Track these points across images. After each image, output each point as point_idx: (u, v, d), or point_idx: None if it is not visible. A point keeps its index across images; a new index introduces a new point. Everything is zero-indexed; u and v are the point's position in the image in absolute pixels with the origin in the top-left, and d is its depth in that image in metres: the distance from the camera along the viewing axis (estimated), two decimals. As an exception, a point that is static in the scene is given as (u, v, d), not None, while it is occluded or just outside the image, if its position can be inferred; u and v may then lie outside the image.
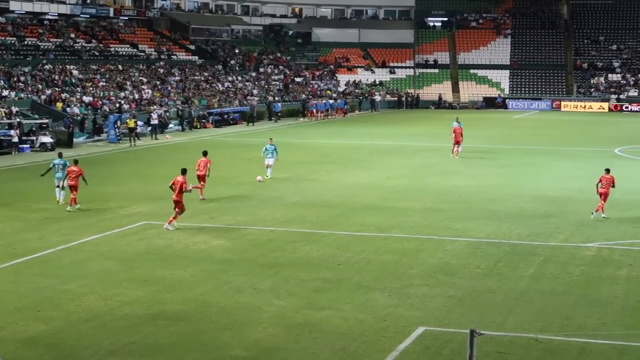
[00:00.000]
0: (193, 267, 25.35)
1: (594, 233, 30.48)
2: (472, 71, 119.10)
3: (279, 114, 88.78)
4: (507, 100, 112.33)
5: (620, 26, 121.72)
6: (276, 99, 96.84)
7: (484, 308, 21.24)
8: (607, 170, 34.48)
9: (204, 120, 79.47)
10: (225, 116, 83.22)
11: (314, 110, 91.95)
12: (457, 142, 53.15)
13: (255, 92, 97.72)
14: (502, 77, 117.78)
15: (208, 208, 35.19)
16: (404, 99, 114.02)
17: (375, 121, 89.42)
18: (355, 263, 25.94)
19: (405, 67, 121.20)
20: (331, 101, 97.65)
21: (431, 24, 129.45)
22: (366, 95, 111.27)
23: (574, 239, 29.58)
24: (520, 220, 32.95)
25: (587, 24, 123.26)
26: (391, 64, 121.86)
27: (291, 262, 25.98)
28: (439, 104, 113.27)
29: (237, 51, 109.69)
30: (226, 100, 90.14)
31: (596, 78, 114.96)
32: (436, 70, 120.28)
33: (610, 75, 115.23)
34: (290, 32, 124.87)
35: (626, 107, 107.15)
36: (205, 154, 39.31)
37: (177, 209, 31.04)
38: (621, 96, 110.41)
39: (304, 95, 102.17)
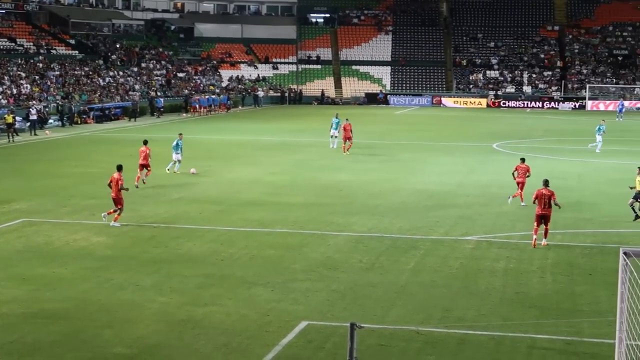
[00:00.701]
0: (73, 264, 24.98)
1: (472, 226, 31.09)
2: (354, 67, 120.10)
3: (162, 109, 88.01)
4: (388, 96, 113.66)
5: (498, 24, 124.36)
6: (158, 94, 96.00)
7: (366, 301, 21.48)
8: (522, 160, 36.08)
9: (84, 116, 78.26)
10: (107, 111, 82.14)
11: (197, 106, 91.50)
12: (348, 138, 53.40)
13: (137, 87, 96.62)
14: (384, 74, 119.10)
15: (89, 205, 34.68)
16: (287, 94, 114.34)
17: (259, 117, 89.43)
18: (238, 258, 25.94)
19: (288, 63, 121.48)
20: (214, 97, 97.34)
21: (313, 20, 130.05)
22: (249, 90, 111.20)
23: (453, 232, 30.13)
24: (401, 214, 33.40)
25: (466, 22, 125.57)
26: (274, 60, 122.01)
27: (174, 259, 25.83)
28: (322, 100, 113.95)
29: (118, 46, 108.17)
30: (107, 96, 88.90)
31: (475, 74, 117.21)
32: (319, 66, 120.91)
33: (488, 72, 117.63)
34: (173, 27, 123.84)
35: (504, 103, 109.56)
36: (145, 142, 40.93)
37: (118, 206, 30.62)
38: (499, 92, 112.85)
39: (186, 91, 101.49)
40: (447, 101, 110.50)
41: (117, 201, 30.63)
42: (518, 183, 35.22)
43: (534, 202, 28.25)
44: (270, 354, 17.64)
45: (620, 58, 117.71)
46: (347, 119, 54.98)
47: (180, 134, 45.24)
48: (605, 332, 18.70)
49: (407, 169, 46.99)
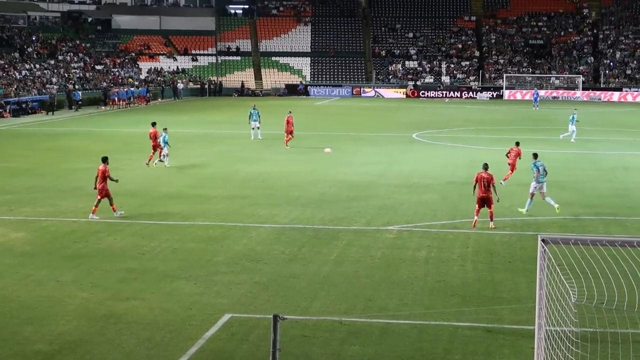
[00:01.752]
0: (-9, 261, 24.56)
1: (394, 216, 31.28)
2: (274, 58, 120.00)
3: (80, 102, 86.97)
4: (308, 87, 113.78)
5: (416, 14, 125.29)
6: (76, 87, 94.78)
7: (289, 293, 21.50)
8: (517, 143, 38.49)
9: (0, 110, 76.94)
10: (24, 105, 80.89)
11: (116, 99, 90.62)
12: (290, 132, 52.91)
13: (54, 80, 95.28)
14: (304, 65, 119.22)
15: (7, 200, 34.13)
16: (206, 86, 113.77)
17: (179, 109, 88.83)
18: (160, 252, 25.76)
19: (208, 55, 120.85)
20: (133, 89, 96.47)
21: (232, 11, 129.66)
22: (169, 82, 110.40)
23: (375, 222, 30.28)
24: (323, 205, 33.47)
25: (384, 12, 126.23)
26: (193, 52, 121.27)
27: (94, 253, 25.54)
28: (242, 92, 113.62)
29: (34, 38, 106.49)
30: (24, 89, 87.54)
31: (394, 65, 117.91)
32: (238, 58, 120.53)
33: (407, 63, 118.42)
34: (90, 19, 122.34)
35: (423, 93, 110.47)
36: (154, 124, 45.31)
37: (108, 197, 30.59)
38: (418, 82, 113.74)
39: (105, 84, 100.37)
40: (386, 92, 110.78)
41: (105, 192, 30.46)
42: (509, 164, 37.28)
43: (474, 187, 29.42)
44: (193, 348, 17.56)
45: (536, 48, 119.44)
46: (289, 112, 54.72)
47: (165, 129, 44.97)
48: (525, 318, 18.99)
49: (329, 160, 47.08)
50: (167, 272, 23.39)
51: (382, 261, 24.83)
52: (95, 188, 30.67)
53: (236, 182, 39.33)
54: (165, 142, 43.63)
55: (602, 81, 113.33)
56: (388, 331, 18.72)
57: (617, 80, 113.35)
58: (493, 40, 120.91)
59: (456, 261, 24.88)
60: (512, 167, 37.85)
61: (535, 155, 32.34)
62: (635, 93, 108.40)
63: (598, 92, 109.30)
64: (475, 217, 29.07)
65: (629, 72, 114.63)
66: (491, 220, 29.11)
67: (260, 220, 30.59)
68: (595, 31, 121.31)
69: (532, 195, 31.60)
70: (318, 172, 42.55)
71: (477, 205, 29.19)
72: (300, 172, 42.42)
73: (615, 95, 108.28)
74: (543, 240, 13.25)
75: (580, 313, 15.49)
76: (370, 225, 29.84)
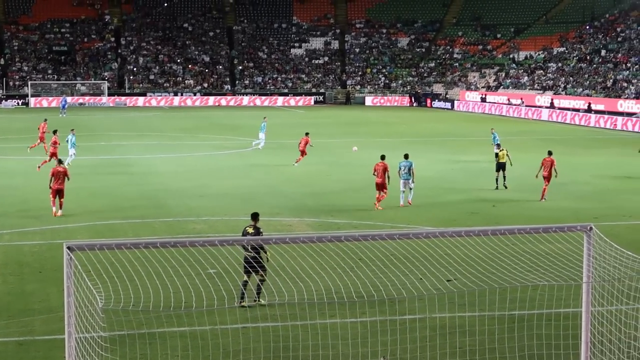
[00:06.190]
0: None
1: None
2: None
3: None
4: None
5: None
6: None
7: None
8: (550, 153, 37.28)
9: None
10: None
11: None
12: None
13: None
14: None
15: None
16: None
17: None
18: None
19: None
20: None
21: None
22: None
23: None
24: None
25: None
26: None
27: None
28: None
29: None
30: None
31: None
32: None
33: None
34: None
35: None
36: None
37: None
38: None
39: None
40: None
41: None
42: (544, 176, 36.37)
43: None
44: None
45: (60, 54, 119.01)
46: None
47: (73, 130, 46.67)
48: (57, 327, 18.80)
49: None
50: None
51: None
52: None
53: None
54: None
55: (127, 86, 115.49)
56: None
57: (141, 85, 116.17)
58: (16, 47, 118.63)
59: (-15, 276, 24.16)
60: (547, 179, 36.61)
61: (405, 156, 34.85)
62: (159, 97, 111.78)
63: (124, 98, 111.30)
64: None
65: (152, 77, 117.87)
66: None
67: None
68: (117, 37, 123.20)
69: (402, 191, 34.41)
70: None
71: None
72: None
73: (141, 100, 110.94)
74: (69, 248, 13.28)
75: (109, 317, 15.73)
76: None
